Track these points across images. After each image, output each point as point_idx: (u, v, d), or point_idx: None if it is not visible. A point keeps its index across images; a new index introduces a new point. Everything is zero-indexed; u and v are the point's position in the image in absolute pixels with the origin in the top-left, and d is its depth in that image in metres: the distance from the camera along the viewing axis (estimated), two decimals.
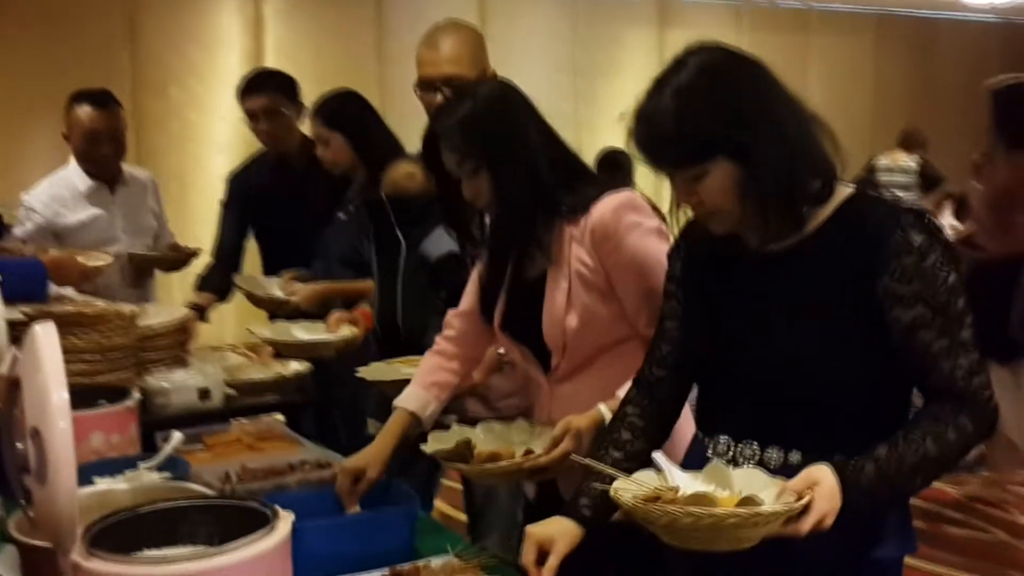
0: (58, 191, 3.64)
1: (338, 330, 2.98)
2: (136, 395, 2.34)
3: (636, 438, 1.75)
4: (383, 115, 3.32)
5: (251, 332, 3.07)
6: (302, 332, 3.01)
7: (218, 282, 3.70)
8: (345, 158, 3.15)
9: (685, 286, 1.72)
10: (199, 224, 7.70)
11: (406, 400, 2.15)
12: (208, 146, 7.52)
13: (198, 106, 7.46)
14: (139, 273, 3.74)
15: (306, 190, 3.49)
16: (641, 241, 1.92)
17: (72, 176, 3.66)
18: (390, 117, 3.39)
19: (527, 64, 8.46)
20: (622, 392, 1.86)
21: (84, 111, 3.59)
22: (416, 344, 2.62)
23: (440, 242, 2.73)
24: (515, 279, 2.07)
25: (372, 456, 2.04)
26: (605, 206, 1.92)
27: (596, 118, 8.46)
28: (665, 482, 1.49)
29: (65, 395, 1.27)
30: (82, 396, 1.90)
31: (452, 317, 2.24)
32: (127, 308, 2.65)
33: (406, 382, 2.22)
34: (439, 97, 2.53)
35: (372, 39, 8.07)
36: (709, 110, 1.46)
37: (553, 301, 1.97)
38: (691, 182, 1.51)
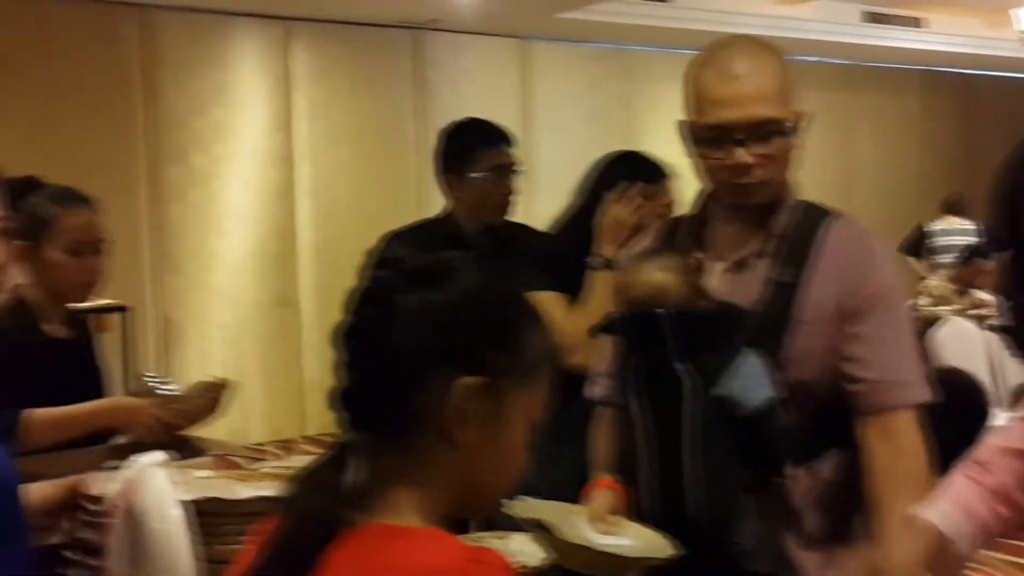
0: None
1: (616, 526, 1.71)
2: None
3: None
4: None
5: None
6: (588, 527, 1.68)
7: None
8: None
9: None
10: (224, 303, 6.99)
11: (933, 512, 1.51)
12: (232, 218, 6.80)
13: (220, 174, 6.75)
14: None
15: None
16: None
17: None
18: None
19: (577, 124, 7.83)
20: None
21: None
22: (715, 543, 1.67)
23: (751, 381, 1.69)
24: None
25: None
26: None
27: None
28: None
29: None
30: None
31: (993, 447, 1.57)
32: None
33: None
34: (739, 153, 1.72)
35: (410, 97, 7.38)
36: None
37: None
38: None
